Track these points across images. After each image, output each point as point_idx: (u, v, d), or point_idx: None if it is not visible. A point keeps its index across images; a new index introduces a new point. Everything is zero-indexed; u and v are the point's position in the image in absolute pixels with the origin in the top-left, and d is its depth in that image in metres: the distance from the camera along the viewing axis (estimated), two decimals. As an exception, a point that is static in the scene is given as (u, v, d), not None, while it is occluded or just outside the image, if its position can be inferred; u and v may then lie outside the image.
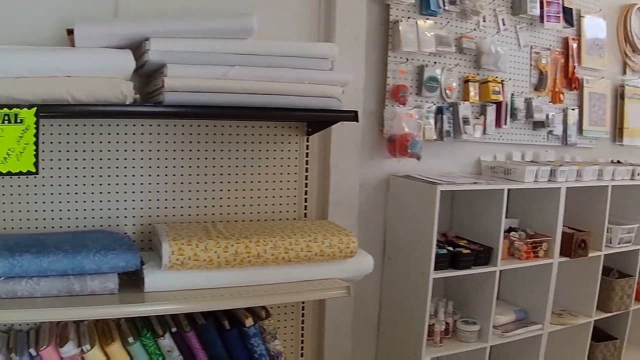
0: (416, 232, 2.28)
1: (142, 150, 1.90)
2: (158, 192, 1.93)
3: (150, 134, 1.90)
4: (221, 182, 2.01)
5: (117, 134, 1.86)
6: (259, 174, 2.05)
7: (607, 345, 3.01)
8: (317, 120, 1.99)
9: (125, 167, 1.88)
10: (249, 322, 1.78)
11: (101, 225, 1.86)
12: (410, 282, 2.34)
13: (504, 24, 2.70)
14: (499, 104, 2.64)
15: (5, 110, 1.37)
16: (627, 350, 3.16)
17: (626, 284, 2.97)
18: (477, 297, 2.50)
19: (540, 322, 2.65)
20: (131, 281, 1.67)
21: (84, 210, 1.83)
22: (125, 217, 1.89)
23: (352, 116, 1.84)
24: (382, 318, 2.54)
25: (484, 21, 2.63)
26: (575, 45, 2.97)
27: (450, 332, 2.47)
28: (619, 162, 3.21)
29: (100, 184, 1.85)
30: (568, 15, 2.90)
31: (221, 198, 2.01)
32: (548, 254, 2.57)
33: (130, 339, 1.65)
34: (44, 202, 1.79)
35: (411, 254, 2.33)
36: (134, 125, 1.88)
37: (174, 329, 1.71)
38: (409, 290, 2.36)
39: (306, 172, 2.14)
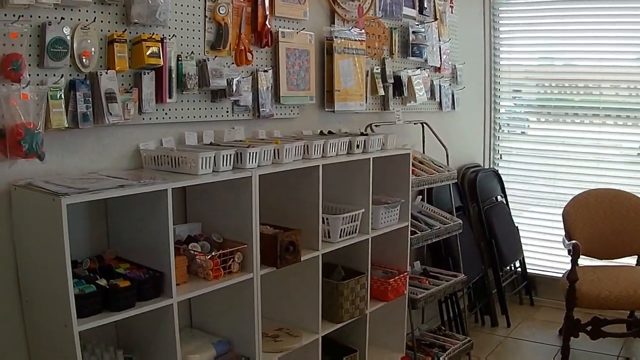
0: (49, 263, 2.22)
1: None
2: None
3: None
4: None
5: None
6: None
7: (347, 360, 3.36)
8: None
9: None
10: None
11: None
12: (56, 336, 2.28)
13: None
14: (159, 71, 2.71)
15: None
16: (372, 357, 3.63)
17: (357, 284, 3.30)
18: (156, 339, 2.55)
19: (250, 354, 2.83)
20: None
21: None
22: None
23: None
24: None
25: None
26: (266, -10, 3.20)
27: (124, 391, 2.46)
28: (330, 133, 3.53)
29: None
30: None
31: None
32: (245, 266, 2.74)
33: None
34: None
35: (49, 296, 2.26)
36: None
37: None
38: (56, 347, 2.30)
39: None
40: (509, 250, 5.46)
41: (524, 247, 5.72)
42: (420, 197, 4.40)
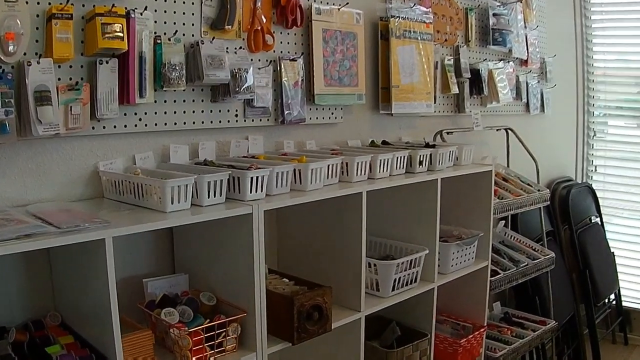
0: None
1: None
2: None
3: None
4: None
5: None
6: None
7: None
8: None
9: None
10: None
11: None
12: None
13: None
14: (123, 58, 1.77)
15: None
16: None
17: (415, 351, 2.36)
18: None
19: None
20: None
21: None
22: None
23: None
24: None
25: None
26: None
27: None
28: (386, 143, 2.58)
29: None
30: None
31: None
32: (246, 342, 1.79)
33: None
34: None
35: None
36: None
37: None
38: None
39: None
40: (605, 282, 4.36)
41: (619, 277, 4.60)
42: (503, 222, 3.34)
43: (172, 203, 1.58)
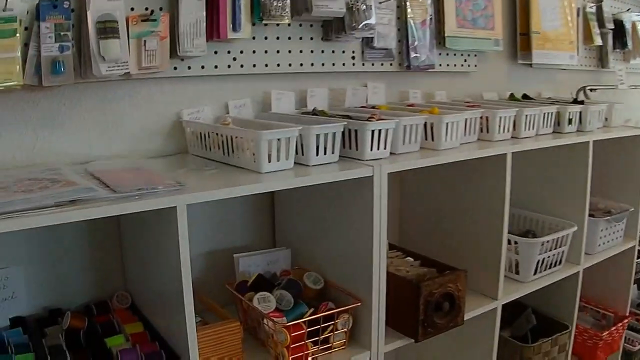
0: None
1: None
2: None
3: None
4: None
5: None
6: None
7: None
8: None
9: None
10: None
11: None
12: None
13: None
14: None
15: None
16: None
17: (553, 346, 1.75)
18: None
19: None
20: None
21: None
22: None
23: None
24: None
25: None
26: None
27: None
28: (527, 98, 1.98)
29: None
30: None
31: None
32: (359, 337, 1.30)
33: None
34: None
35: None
36: None
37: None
38: None
39: None
40: None
41: None
42: (643, 195, 2.67)
43: (269, 161, 1.10)
